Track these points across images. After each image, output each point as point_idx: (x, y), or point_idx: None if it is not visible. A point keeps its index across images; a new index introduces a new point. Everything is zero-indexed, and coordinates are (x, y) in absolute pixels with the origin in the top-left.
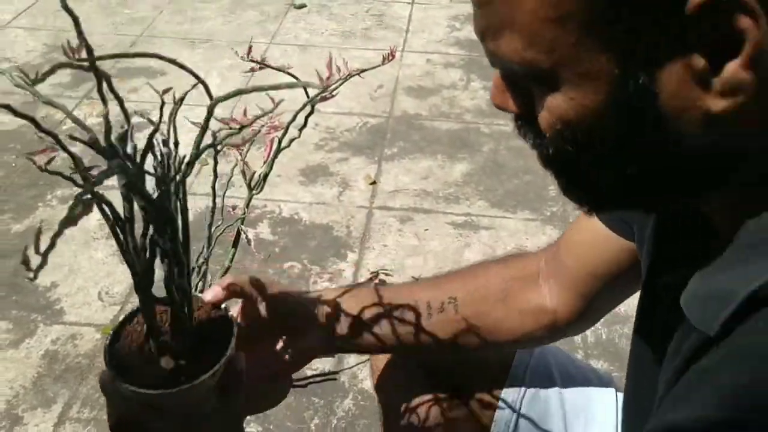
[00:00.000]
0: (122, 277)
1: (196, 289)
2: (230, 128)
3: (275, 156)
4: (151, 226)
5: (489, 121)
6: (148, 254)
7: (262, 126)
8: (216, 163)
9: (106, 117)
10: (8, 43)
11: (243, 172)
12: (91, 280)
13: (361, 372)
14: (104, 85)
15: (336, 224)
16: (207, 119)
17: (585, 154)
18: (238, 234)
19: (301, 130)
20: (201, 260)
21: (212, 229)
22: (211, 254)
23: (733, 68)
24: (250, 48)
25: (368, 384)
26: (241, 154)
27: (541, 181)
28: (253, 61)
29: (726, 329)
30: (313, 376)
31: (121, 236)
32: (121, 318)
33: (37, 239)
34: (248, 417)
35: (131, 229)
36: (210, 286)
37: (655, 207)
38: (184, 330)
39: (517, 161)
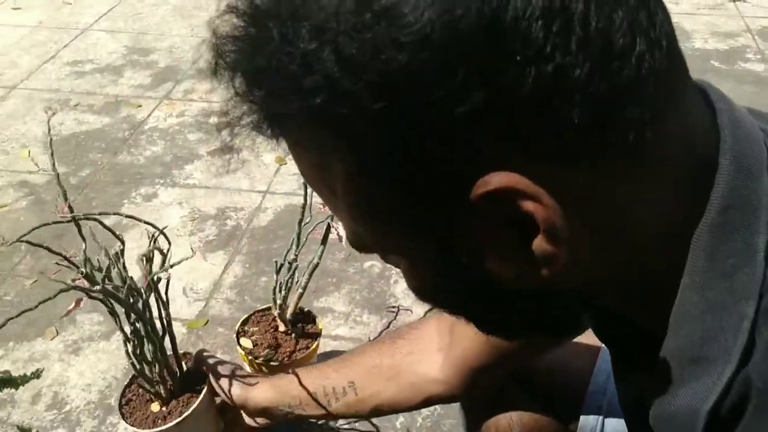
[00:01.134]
0: (206, 274)
1: (285, 285)
2: None
3: None
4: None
5: None
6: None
7: None
8: None
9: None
10: (90, 46)
11: None
12: (175, 276)
13: None
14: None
15: None
16: None
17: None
18: (327, 231)
19: None
20: (292, 256)
21: (302, 226)
22: (300, 250)
23: (538, 243)
24: None
25: None
26: None
27: None
28: None
29: None
30: None
31: (117, 319)
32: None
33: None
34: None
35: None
36: (298, 282)
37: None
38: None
39: None
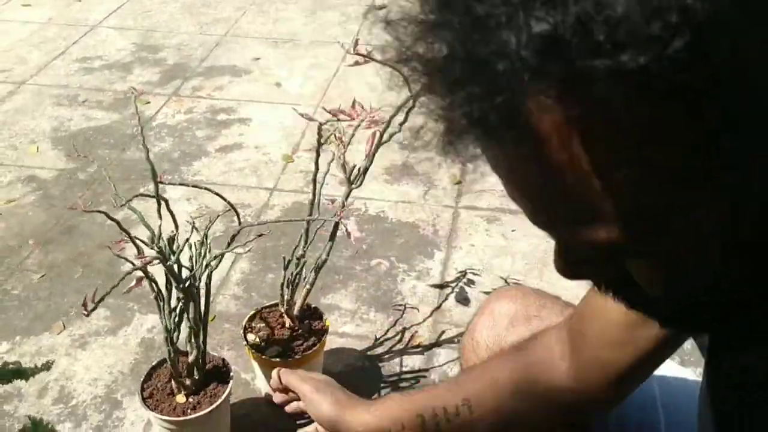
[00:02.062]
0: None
1: (293, 281)
2: (338, 119)
3: (376, 150)
4: (181, 301)
5: None
6: (177, 318)
7: (362, 121)
8: (318, 155)
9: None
10: (99, 42)
11: (343, 166)
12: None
13: (451, 370)
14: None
15: (422, 222)
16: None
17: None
18: (336, 228)
19: (401, 125)
20: (300, 252)
21: (311, 223)
22: (308, 247)
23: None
24: (356, 42)
25: None
26: (342, 142)
27: None
28: (358, 54)
29: None
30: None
31: (161, 304)
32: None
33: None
34: None
35: (168, 298)
36: (305, 278)
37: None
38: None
39: None
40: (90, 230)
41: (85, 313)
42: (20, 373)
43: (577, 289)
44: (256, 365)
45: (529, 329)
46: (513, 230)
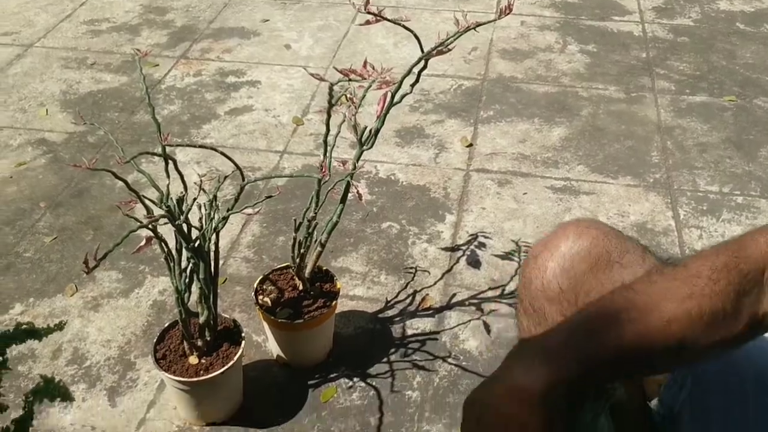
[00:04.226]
0: (223, 233)
1: (304, 243)
2: (350, 79)
3: (387, 111)
4: (191, 261)
5: (587, 85)
6: (187, 280)
7: (373, 81)
8: (329, 116)
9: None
10: (107, 4)
11: (354, 127)
12: None
13: (462, 333)
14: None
15: (433, 186)
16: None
17: None
18: (347, 189)
19: (413, 85)
20: (311, 214)
21: (321, 184)
22: (319, 209)
23: None
24: (367, 1)
25: (470, 344)
26: (353, 103)
27: (644, 147)
28: (369, 13)
29: None
30: None
31: (171, 264)
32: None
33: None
34: (358, 371)
35: (179, 259)
36: (316, 240)
37: None
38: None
39: (618, 126)
40: (101, 193)
41: (86, 270)
42: (33, 333)
43: None
44: (267, 327)
45: (611, 279)
46: (524, 193)
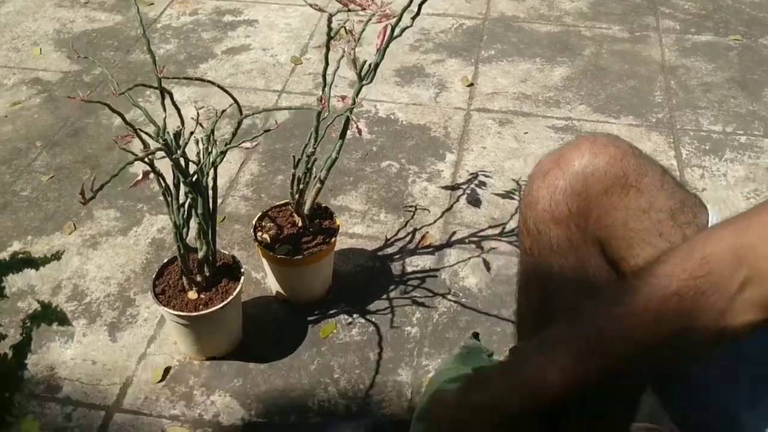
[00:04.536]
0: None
1: (303, 179)
2: (349, 10)
3: (387, 45)
4: (189, 196)
5: (590, 24)
6: (185, 215)
7: (373, 15)
8: (328, 49)
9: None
10: None
11: (353, 62)
12: None
13: (462, 270)
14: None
15: (433, 125)
16: None
17: None
18: (346, 124)
19: (413, 18)
20: (310, 150)
21: (320, 120)
22: (318, 144)
23: None
24: None
25: (469, 282)
26: (352, 36)
27: (647, 87)
28: None
29: None
30: None
31: (169, 199)
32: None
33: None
34: (358, 307)
35: (177, 194)
36: (315, 177)
37: None
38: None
39: (621, 65)
40: (97, 133)
41: (82, 201)
42: (30, 262)
43: None
44: (266, 264)
45: (625, 203)
46: (525, 133)
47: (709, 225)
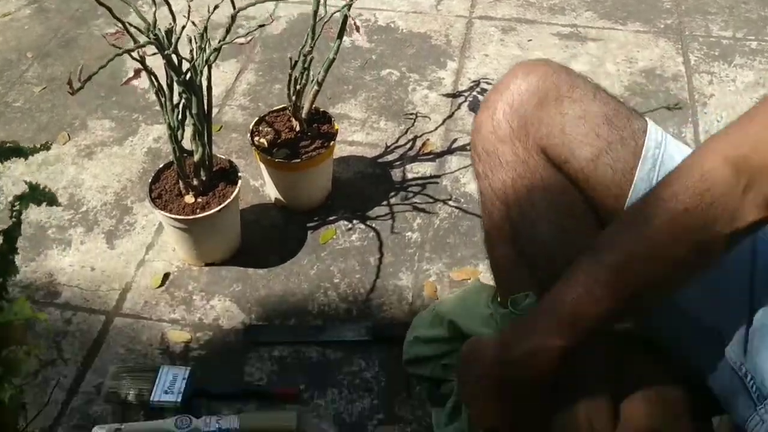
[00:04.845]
0: (218, 81)
1: (300, 80)
2: None
3: None
4: (183, 96)
5: None
6: (180, 116)
7: None
8: None
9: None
10: None
11: None
12: None
13: (463, 176)
14: None
15: (434, 33)
16: None
17: None
18: (344, 24)
19: None
20: (307, 49)
21: (317, 19)
22: (315, 43)
23: None
24: None
25: (471, 188)
26: None
27: None
28: None
29: None
30: None
31: (163, 100)
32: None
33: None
34: (357, 213)
35: (171, 95)
36: (313, 80)
37: None
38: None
39: None
40: (89, 44)
41: (71, 91)
42: (18, 151)
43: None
44: (264, 170)
45: (560, 111)
46: (529, 40)
47: (647, 134)
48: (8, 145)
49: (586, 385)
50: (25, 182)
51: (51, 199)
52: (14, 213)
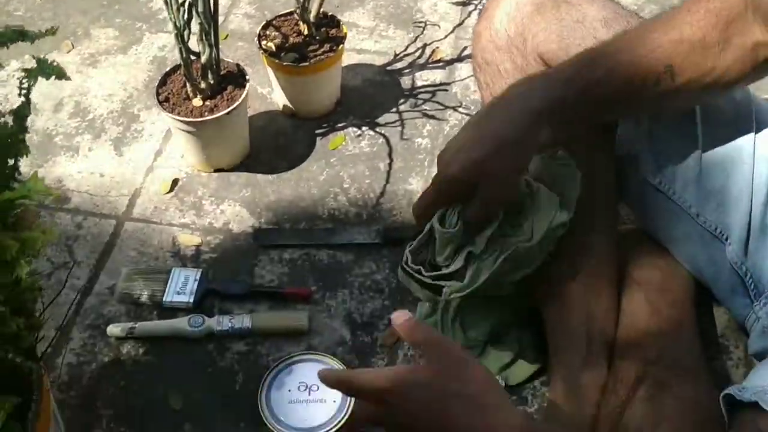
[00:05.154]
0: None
1: None
2: None
3: None
4: None
5: None
6: (186, 15)
7: None
8: None
9: None
10: None
11: None
12: None
13: (473, 84)
14: None
15: None
16: None
17: None
18: None
19: None
20: None
21: None
22: None
23: None
24: None
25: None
26: None
27: None
28: None
29: None
30: None
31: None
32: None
33: None
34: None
35: None
36: None
37: None
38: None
39: None
40: None
41: None
42: (23, 35)
43: None
44: (272, 75)
45: (557, 17)
46: None
47: None
48: (13, 28)
49: (589, 264)
50: (32, 56)
51: (59, 73)
52: (23, 90)
